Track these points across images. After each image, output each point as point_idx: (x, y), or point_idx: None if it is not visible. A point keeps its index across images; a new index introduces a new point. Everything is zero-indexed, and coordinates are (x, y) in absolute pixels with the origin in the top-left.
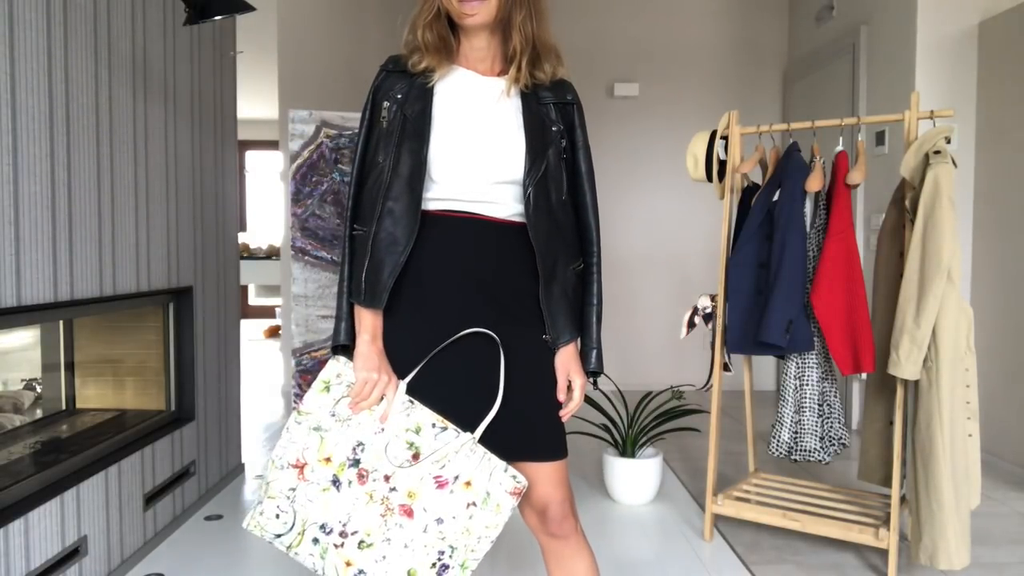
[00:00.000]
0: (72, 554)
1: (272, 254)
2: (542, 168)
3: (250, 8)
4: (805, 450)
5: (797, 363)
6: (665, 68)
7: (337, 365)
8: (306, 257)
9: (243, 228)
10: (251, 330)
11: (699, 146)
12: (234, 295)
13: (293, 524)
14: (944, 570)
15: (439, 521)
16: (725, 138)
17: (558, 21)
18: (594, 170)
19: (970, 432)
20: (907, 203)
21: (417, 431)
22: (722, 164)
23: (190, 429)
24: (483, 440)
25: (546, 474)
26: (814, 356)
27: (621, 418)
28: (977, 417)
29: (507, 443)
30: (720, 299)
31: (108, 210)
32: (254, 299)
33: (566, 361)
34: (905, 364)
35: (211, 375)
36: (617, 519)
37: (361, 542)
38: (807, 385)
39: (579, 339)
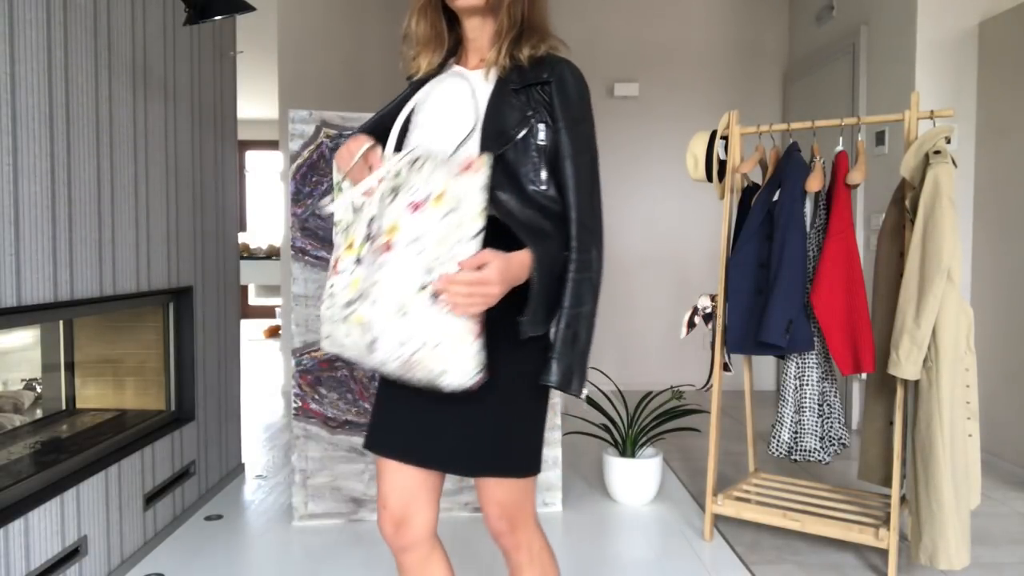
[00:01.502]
0: (72, 554)
1: (272, 254)
2: (498, 152)
3: (250, 8)
4: (805, 450)
5: (797, 363)
6: (665, 68)
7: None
8: (306, 257)
9: (243, 228)
10: (251, 330)
11: (699, 146)
12: (234, 295)
13: (333, 311)
14: (944, 570)
15: (415, 240)
16: (725, 138)
17: (558, 20)
18: (587, 151)
19: (970, 432)
20: (907, 203)
21: (397, 175)
22: (722, 164)
23: (190, 429)
24: (438, 445)
25: (482, 485)
26: (814, 356)
27: (621, 418)
28: (977, 417)
29: (452, 451)
30: (720, 299)
31: (108, 210)
32: (254, 299)
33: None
34: (905, 364)
35: (211, 375)
36: (617, 519)
37: (361, 297)
38: (807, 385)
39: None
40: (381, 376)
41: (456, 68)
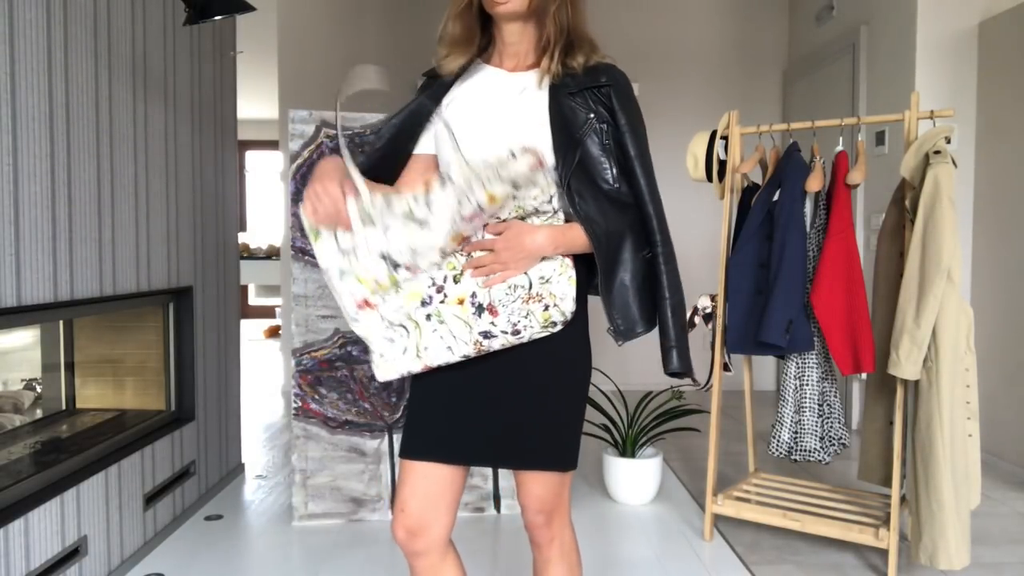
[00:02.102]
0: (72, 554)
1: (272, 254)
2: (575, 159)
3: (250, 8)
4: (805, 450)
5: (797, 363)
6: (665, 68)
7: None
8: (306, 257)
9: (243, 228)
10: (251, 330)
11: (699, 146)
12: (234, 295)
13: (407, 331)
14: (944, 570)
15: (494, 217)
16: (725, 138)
17: None
18: (648, 151)
19: (970, 432)
20: (907, 203)
21: (410, 209)
22: (722, 164)
23: (190, 429)
24: (477, 441)
25: (522, 478)
26: (814, 356)
27: (621, 418)
28: (977, 417)
29: (499, 446)
30: (720, 299)
31: (108, 210)
32: (254, 299)
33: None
34: (905, 364)
35: (211, 375)
36: (617, 519)
37: (454, 278)
38: (807, 385)
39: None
40: (416, 385)
41: (488, 68)
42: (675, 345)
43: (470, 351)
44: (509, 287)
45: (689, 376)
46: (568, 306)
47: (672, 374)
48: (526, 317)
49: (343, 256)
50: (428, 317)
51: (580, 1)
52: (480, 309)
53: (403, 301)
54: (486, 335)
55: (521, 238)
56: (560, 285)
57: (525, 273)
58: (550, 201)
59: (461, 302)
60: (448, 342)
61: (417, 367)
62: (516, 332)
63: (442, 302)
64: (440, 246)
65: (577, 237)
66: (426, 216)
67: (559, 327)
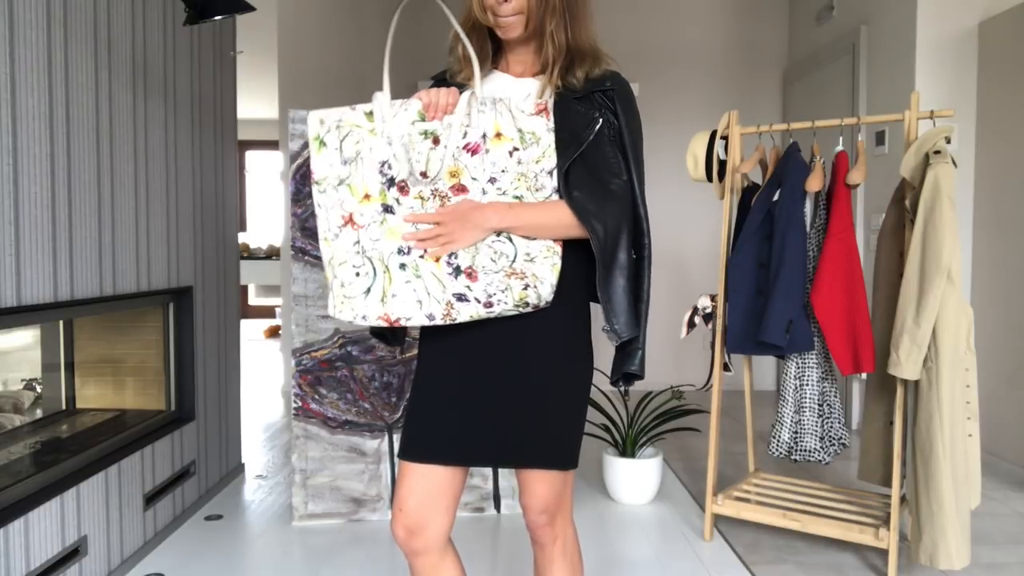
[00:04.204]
0: (72, 554)
1: (272, 254)
2: (575, 154)
3: (250, 8)
4: (805, 450)
5: (797, 363)
6: (665, 68)
7: (315, 115)
8: (306, 257)
9: (243, 228)
10: (251, 330)
11: (699, 146)
12: (234, 295)
13: (374, 270)
14: (944, 570)
15: (492, 181)
16: (725, 138)
17: None
18: (641, 158)
19: (970, 432)
20: (907, 203)
21: (422, 117)
22: (722, 164)
23: (190, 429)
24: (477, 442)
25: (524, 478)
26: (814, 356)
27: (621, 418)
28: (977, 417)
29: (501, 445)
30: (720, 299)
31: (108, 210)
32: (254, 299)
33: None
34: (905, 364)
35: (211, 375)
36: (617, 519)
37: (437, 235)
38: (807, 385)
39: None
40: (416, 386)
41: (495, 73)
42: (642, 348)
43: (438, 312)
44: (496, 253)
45: (639, 379)
46: (546, 291)
47: (629, 374)
48: (503, 291)
49: (344, 165)
50: (402, 267)
51: (582, 16)
52: (457, 271)
53: (382, 234)
54: (459, 298)
55: (468, 209)
56: (543, 268)
57: (511, 243)
58: (551, 174)
59: (438, 260)
60: (420, 296)
61: (377, 313)
62: (488, 304)
63: (421, 256)
64: (436, 170)
65: (529, 214)
66: (435, 129)
67: (530, 309)
